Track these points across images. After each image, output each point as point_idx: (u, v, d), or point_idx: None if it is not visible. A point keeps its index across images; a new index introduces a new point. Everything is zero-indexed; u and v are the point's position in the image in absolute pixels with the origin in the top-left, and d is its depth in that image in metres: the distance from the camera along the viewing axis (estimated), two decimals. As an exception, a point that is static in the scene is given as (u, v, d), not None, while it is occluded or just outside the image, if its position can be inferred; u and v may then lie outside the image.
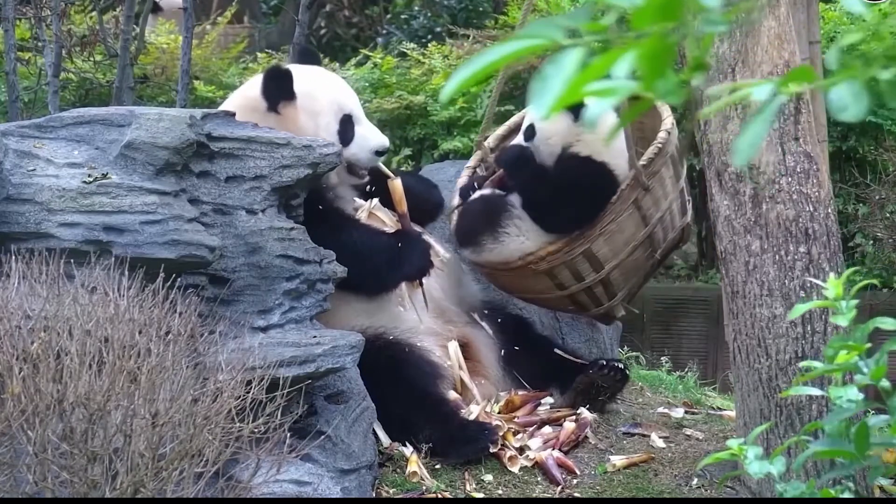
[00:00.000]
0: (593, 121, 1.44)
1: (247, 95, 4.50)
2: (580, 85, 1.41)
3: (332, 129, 4.45)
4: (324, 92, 4.50)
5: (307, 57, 4.80)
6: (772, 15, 3.64)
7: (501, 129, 5.04)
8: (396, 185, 4.50)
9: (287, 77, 4.41)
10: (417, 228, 4.57)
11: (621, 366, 4.66)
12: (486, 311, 4.74)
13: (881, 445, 2.55)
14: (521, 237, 4.56)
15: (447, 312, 4.65)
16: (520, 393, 4.61)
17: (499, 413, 4.50)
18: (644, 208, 4.53)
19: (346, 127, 4.50)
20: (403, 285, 4.50)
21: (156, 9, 9.42)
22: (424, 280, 4.49)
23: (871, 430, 2.54)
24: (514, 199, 4.61)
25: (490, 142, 4.95)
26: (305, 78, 4.48)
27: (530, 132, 4.69)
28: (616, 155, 4.58)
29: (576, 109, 4.52)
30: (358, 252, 4.27)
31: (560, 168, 4.61)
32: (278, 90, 4.40)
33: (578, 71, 1.41)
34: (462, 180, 4.84)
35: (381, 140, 4.55)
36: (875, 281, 3.45)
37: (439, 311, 4.62)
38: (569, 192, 4.50)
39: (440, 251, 4.60)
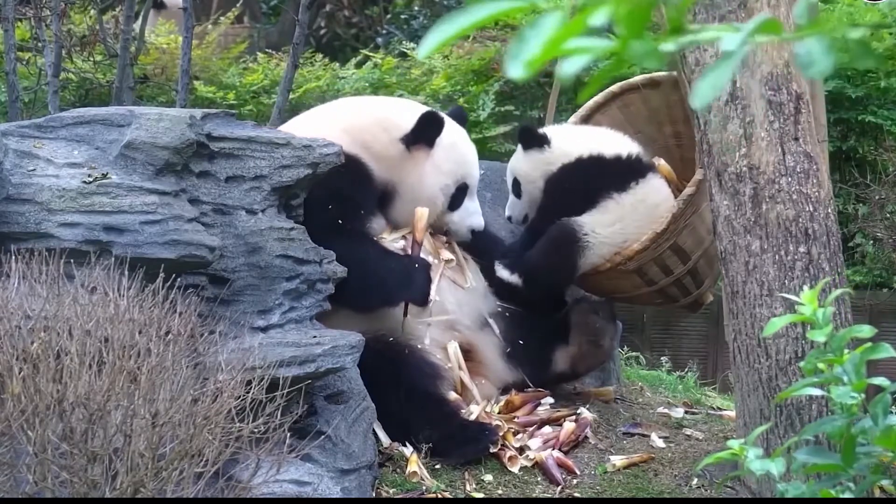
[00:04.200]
0: (569, 76, 1.43)
1: (380, 116, 4.57)
2: (558, 43, 1.40)
3: (448, 192, 4.59)
4: (458, 156, 4.63)
5: (458, 118, 4.85)
6: (772, 15, 3.64)
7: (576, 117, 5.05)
8: (422, 212, 4.49)
9: (439, 127, 4.54)
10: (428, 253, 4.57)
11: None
12: (496, 310, 4.72)
13: (867, 455, 2.54)
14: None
15: (457, 325, 4.63)
16: (519, 393, 4.61)
17: (499, 413, 4.50)
18: None
19: (459, 195, 4.63)
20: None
21: (158, 5, 9.41)
22: (434, 298, 4.46)
23: (867, 434, 2.53)
24: (586, 218, 4.62)
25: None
26: (450, 135, 4.60)
27: (516, 187, 4.75)
28: (602, 138, 4.68)
29: (525, 142, 4.71)
30: (369, 271, 4.26)
31: (552, 183, 4.69)
32: (426, 134, 4.52)
33: (556, 31, 1.40)
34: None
35: (479, 222, 4.68)
36: (850, 290, 3.45)
37: (449, 325, 4.60)
38: (594, 182, 4.62)
39: (469, 276, 4.63)
